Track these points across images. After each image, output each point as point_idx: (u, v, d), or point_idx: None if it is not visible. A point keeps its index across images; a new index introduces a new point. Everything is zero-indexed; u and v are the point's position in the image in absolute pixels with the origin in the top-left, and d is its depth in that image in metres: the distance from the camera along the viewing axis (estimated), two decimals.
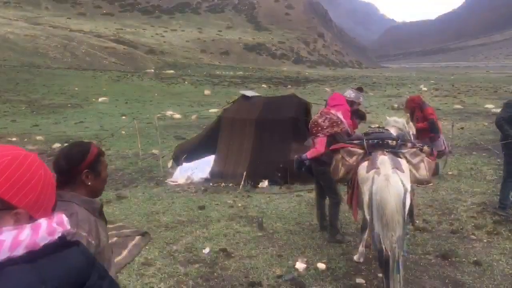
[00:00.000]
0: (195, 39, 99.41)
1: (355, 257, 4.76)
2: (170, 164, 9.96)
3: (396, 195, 3.69)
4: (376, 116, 17.23)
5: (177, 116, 20.02)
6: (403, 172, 3.90)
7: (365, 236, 4.63)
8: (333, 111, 5.37)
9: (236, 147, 8.78)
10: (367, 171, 3.97)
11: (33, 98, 25.59)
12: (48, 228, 1.02)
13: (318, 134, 5.32)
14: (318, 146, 5.30)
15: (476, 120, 16.32)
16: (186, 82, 39.88)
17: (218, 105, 22.61)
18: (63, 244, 1.04)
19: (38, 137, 13.91)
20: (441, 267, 4.55)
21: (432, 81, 43.31)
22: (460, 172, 8.44)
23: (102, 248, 1.98)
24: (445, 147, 7.84)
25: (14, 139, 13.98)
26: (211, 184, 8.49)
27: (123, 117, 19.85)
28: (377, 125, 4.74)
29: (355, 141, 4.49)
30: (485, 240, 5.19)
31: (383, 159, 3.97)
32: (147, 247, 5.19)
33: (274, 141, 8.52)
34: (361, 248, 4.76)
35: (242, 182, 8.12)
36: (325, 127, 5.27)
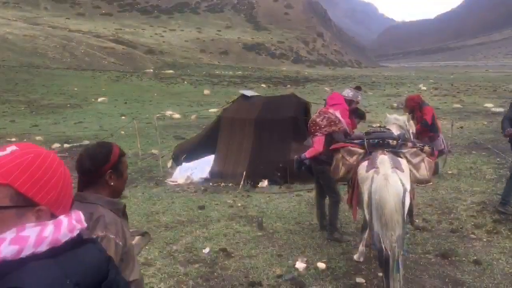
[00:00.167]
0: (194, 39, 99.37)
1: (355, 257, 4.76)
2: (169, 164, 9.95)
3: (395, 194, 3.69)
4: (376, 116, 17.24)
5: (177, 116, 20.01)
6: (403, 171, 3.90)
7: (365, 235, 4.63)
8: (331, 110, 5.37)
9: (236, 147, 8.77)
10: (367, 171, 3.97)
11: (32, 99, 25.57)
12: (69, 225, 1.05)
13: (316, 133, 5.33)
14: (316, 145, 5.31)
15: (475, 119, 16.33)
16: (185, 82, 39.87)
17: (217, 105, 22.61)
18: (81, 241, 1.07)
19: (38, 138, 13.90)
20: (441, 266, 4.55)
21: (431, 81, 43.34)
22: (459, 171, 8.45)
23: (128, 248, 2.02)
24: (444, 147, 7.85)
25: (13, 139, 13.96)
26: (210, 184, 8.49)
27: (123, 117, 19.83)
28: (378, 124, 4.73)
29: (355, 141, 4.48)
30: (484, 239, 5.19)
31: (383, 159, 3.97)
32: (147, 247, 5.18)
33: (274, 140, 8.52)
34: (361, 248, 4.76)
35: (242, 182, 8.12)
36: (323, 126, 5.28)
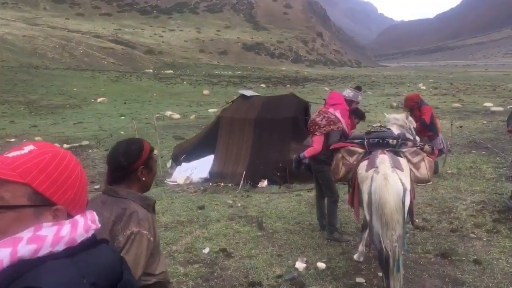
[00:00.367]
0: (194, 39, 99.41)
1: (355, 256, 4.76)
2: (169, 164, 9.94)
3: (395, 194, 3.69)
4: (375, 115, 17.23)
5: (176, 116, 20.00)
6: (403, 171, 3.89)
7: (365, 235, 4.62)
8: (331, 110, 5.37)
9: (235, 147, 8.77)
10: (367, 170, 3.97)
11: (31, 99, 25.56)
12: (85, 225, 1.06)
13: (315, 133, 5.34)
14: (315, 144, 5.32)
15: (475, 119, 16.32)
16: (184, 82, 39.88)
17: (217, 105, 22.60)
18: (95, 241, 1.07)
19: (37, 138, 13.88)
20: (441, 265, 4.54)
21: (430, 80, 43.36)
22: (459, 170, 8.44)
23: (157, 243, 2.07)
24: (443, 146, 7.85)
25: (12, 140, 13.95)
26: (210, 184, 8.48)
27: (122, 118, 19.82)
28: (379, 124, 4.73)
29: (355, 140, 4.48)
30: (484, 239, 5.18)
31: (383, 158, 3.97)
32: None
33: (273, 140, 8.51)
34: (361, 247, 4.75)
35: (242, 182, 8.11)
36: (322, 126, 5.28)
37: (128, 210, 2.00)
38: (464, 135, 12.38)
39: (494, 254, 4.75)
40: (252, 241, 5.38)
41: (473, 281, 4.19)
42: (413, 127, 5.11)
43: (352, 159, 4.33)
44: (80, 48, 57.53)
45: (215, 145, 8.99)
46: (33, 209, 0.99)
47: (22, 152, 1.02)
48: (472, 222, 5.70)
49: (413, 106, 7.55)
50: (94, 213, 1.14)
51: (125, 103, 26.06)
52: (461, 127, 14.08)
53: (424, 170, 4.11)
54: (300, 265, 4.63)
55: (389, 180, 3.72)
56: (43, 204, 1.01)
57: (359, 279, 4.32)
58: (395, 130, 4.69)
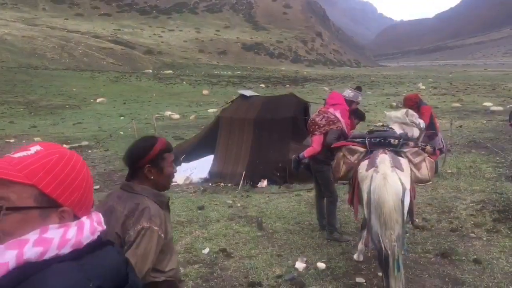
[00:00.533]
0: (193, 39, 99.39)
1: (355, 256, 4.75)
2: None
3: (393, 194, 3.68)
4: (375, 115, 17.24)
5: (176, 116, 19.99)
6: (403, 171, 3.89)
7: (364, 233, 4.62)
8: (331, 110, 5.37)
9: (235, 147, 8.76)
10: (367, 170, 3.96)
11: (31, 99, 25.55)
12: (91, 227, 1.05)
13: (315, 133, 5.35)
14: (314, 144, 5.32)
15: (474, 118, 16.32)
16: (184, 82, 39.88)
17: (216, 105, 22.60)
18: (101, 243, 1.07)
19: (36, 138, 13.87)
20: (441, 265, 4.54)
21: (430, 80, 43.37)
22: (459, 170, 8.44)
23: (168, 240, 2.09)
24: (443, 146, 7.84)
25: (12, 140, 13.95)
26: (210, 184, 8.48)
27: (122, 118, 19.82)
28: (381, 124, 4.72)
29: (357, 139, 4.48)
30: (484, 238, 5.18)
31: (383, 158, 3.96)
32: None
33: (273, 140, 8.51)
34: (360, 246, 4.75)
35: (241, 182, 8.11)
36: (322, 126, 5.29)
37: (141, 205, 2.03)
38: (464, 135, 12.38)
39: (494, 253, 4.75)
40: (252, 241, 5.37)
41: (473, 280, 4.19)
42: (416, 118, 5.06)
43: (353, 158, 4.32)
44: (80, 49, 57.51)
45: (215, 145, 8.98)
46: (39, 211, 0.99)
47: (29, 152, 1.02)
48: (472, 222, 5.70)
49: (412, 106, 7.52)
50: (100, 214, 1.14)
51: (124, 103, 26.06)
52: (460, 126, 14.08)
53: (425, 171, 4.10)
54: (300, 265, 4.63)
55: (388, 180, 3.72)
56: (49, 206, 1.00)
57: (359, 279, 4.31)
58: (398, 129, 4.68)
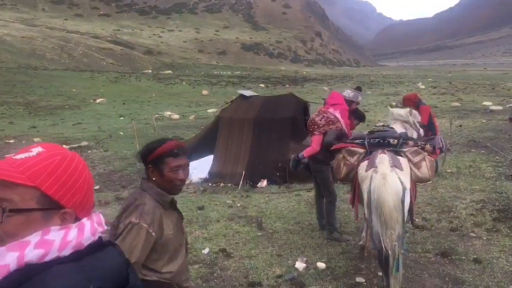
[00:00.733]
0: (193, 39, 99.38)
1: (361, 241, 4.75)
2: None
3: (393, 193, 3.68)
4: (374, 115, 17.24)
5: (175, 116, 19.98)
6: (402, 170, 3.89)
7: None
8: (331, 110, 5.38)
9: (235, 147, 8.76)
10: (366, 170, 3.97)
11: (30, 100, 25.53)
12: (92, 228, 1.05)
13: (314, 132, 5.35)
14: (314, 144, 5.33)
15: (474, 118, 16.32)
16: (183, 83, 39.86)
17: (216, 105, 22.60)
18: (101, 244, 1.07)
19: (36, 139, 13.86)
20: (441, 265, 4.54)
21: (429, 79, 43.38)
22: (459, 169, 8.44)
23: (164, 240, 2.10)
24: (443, 145, 7.84)
25: (11, 141, 13.94)
26: (210, 184, 8.47)
27: (121, 118, 19.81)
28: (382, 123, 4.72)
29: (356, 141, 4.48)
30: (484, 238, 5.18)
31: (382, 158, 3.97)
32: None
33: (273, 140, 8.50)
34: (364, 234, 4.76)
35: (241, 182, 8.11)
36: (321, 126, 5.29)
37: (137, 201, 2.09)
38: (464, 134, 12.38)
39: (494, 253, 4.75)
40: (252, 241, 5.37)
41: (473, 280, 4.19)
42: (418, 121, 5.10)
43: (353, 159, 4.32)
44: (79, 49, 57.49)
45: (215, 145, 8.98)
46: (41, 213, 0.98)
47: (31, 154, 1.01)
48: (472, 221, 5.70)
49: (411, 106, 7.53)
50: (100, 215, 1.14)
51: (124, 103, 26.05)
52: (460, 126, 14.08)
53: (425, 170, 4.10)
54: (300, 265, 4.63)
55: (387, 180, 3.72)
56: (51, 207, 1.00)
57: (359, 279, 4.31)
58: (399, 127, 4.68)
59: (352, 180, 4.46)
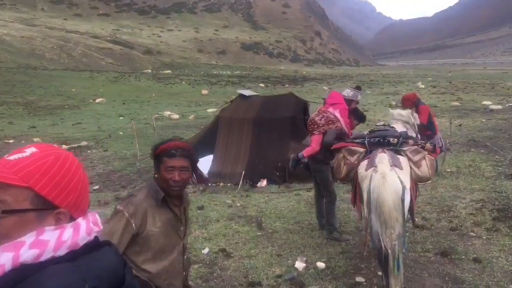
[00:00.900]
0: (192, 39, 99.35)
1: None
2: None
3: (393, 192, 3.68)
4: (374, 114, 17.23)
5: (175, 116, 19.98)
6: (402, 169, 3.88)
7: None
8: (331, 110, 5.38)
9: (234, 147, 8.75)
10: (366, 169, 3.96)
11: (30, 100, 25.52)
12: (87, 228, 1.05)
13: (314, 132, 5.35)
14: (313, 144, 5.32)
15: (474, 117, 16.32)
16: (183, 82, 39.86)
17: (215, 104, 22.61)
18: (97, 244, 1.07)
19: (36, 139, 13.86)
20: (441, 264, 4.54)
21: (429, 79, 43.37)
22: (458, 169, 8.44)
23: (147, 235, 2.14)
24: (442, 145, 7.84)
25: (11, 141, 13.94)
26: (209, 184, 8.47)
27: (121, 118, 19.81)
28: (383, 123, 4.70)
29: (356, 140, 4.47)
30: (484, 237, 5.18)
31: (382, 157, 3.96)
32: None
33: (272, 140, 8.50)
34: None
35: (241, 182, 8.10)
36: (321, 125, 5.29)
37: (133, 192, 2.22)
38: (463, 134, 12.38)
39: (494, 252, 4.75)
40: (252, 241, 5.37)
41: (473, 279, 4.19)
42: (417, 124, 5.11)
43: (353, 159, 4.32)
44: (78, 49, 57.44)
45: (214, 145, 8.98)
46: (35, 213, 0.98)
47: (24, 154, 1.01)
48: (472, 221, 5.70)
49: (411, 106, 7.53)
50: (96, 215, 1.14)
51: (123, 103, 26.04)
52: (460, 125, 14.08)
53: (425, 169, 4.09)
54: (299, 264, 4.63)
55: (387, 179, 3.72)
56: (45, 208, 1.00)
57: (359, 278, 4.31)
58: (400, 127, 4.67)
59: (353, 179, 4.45)
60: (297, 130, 8.45)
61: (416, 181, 4.20)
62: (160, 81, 40.23)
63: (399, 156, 4.04)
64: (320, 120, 5.32)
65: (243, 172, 8.23)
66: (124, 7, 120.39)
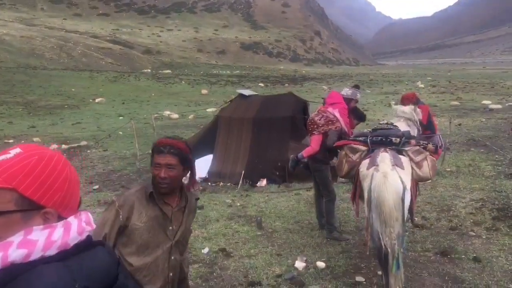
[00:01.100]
0: (192, 38, 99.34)
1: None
2: None
3: (393, 192, 3.68)
4: (374, 114, 17.23)
5: (175, 116, 19.98)
6: (403, 169, 3.88)
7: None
8: (330, 109, 5.38)
9: (234, 146, 8.75)
10: (367, 168, 3.96)
11: (29, 100, 25.51)
12: (79, 227, 1.04)
13: (313, 132, 5.35)
14: (313, 144, 5.32)
15: (473, 116, 16.32)
16: (183, 82, 39.85)
17: (215, 104, 22.61)
18: (90, 243, 1.06)
19: (35, 139, 13.86)
20: (441, 264, 4.54)
21: (429, 78, 43.38)
22: (458, 168, 8.44)
23: (131, 228, 2.18)
24: (442, 144, 7.84)
25: (11, 141, 13.92)
26: (209, 183, 8.47)
27: (120, 118, 19.81)
28: (386, 121, 4.69)
29: (359, 138, 4.47)
30: (484, 237, 5.18)
31: (384, 156, 3.96)
32: None
33: (272, 139, 8.50)
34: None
35: (241, 181, 8.10)
36: (320, 125, 5.29)
37: (131, 187, 2.31)
38: (463, 133, 12.38)
39: (494, 252, 4.75)
40: (252, 240, 5.37)
41: (472, 279, 4.19)
42: (420, 119, 5.10)
43: (355, 157, 4.32)
44: (78, 49, 57.43)
45: (214, 144, 8.98)
46: (21, 214, 0.98)
47: (8, 156, 1.00)
48: (472, 220, 5.70)
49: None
50: (89, 214, 1.12)
51: (123, 103, 26.04)
52: (459, 125, 14.09)
53: (426, 169, 4.09)
54: (299, 264, 4.63)
55: (388, 179, 3.72)
56: (31, 208, 0.99)
57: (359, 278, 4.31)
58: (403, 124, 4.66)
59: (354, 177, 4.45)
60: (296, 130, 8.45)
61: (417, 181, 4.20)
62: (160, 80, 40.23)
63: (401, 156, 4.04)
64: (319, 120, 5.32)
65: (243, 171, 8.23)
66: (123, 7, 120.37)
